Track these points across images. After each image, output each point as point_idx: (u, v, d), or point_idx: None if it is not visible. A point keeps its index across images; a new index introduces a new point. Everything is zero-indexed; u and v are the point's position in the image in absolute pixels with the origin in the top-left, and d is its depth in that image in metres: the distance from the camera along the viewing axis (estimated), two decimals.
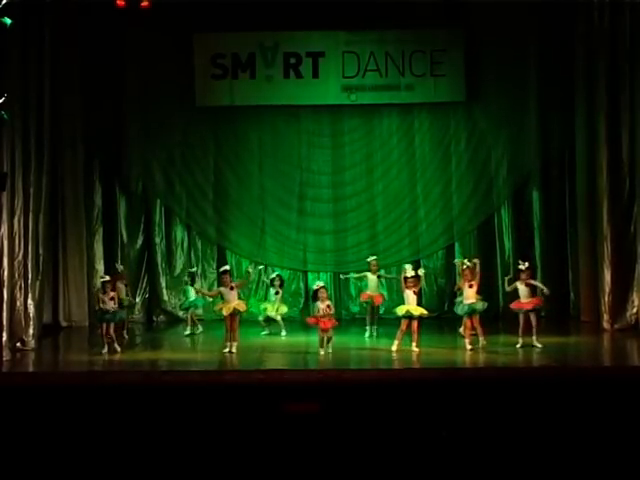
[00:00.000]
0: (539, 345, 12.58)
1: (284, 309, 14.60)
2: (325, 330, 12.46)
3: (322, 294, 12.56)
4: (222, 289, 12.96)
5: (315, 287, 12.76)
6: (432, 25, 15.84)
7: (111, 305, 12.78)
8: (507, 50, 15.78)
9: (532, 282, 13.00)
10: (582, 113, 15.06)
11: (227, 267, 13.50)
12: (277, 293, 14.51)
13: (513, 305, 12.99)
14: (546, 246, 16.13)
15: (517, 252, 16.08)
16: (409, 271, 12.86)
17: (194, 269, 15.31)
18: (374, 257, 14.55)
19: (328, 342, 12.52)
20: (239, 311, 12.81)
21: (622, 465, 9.09)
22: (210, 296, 14.28)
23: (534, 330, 12.67)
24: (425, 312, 12.87)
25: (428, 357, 12.39)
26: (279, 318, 14.45)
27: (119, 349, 12.74)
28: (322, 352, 12.42)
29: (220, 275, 13.13)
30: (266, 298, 14.92)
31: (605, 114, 14.45)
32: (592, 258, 15.05)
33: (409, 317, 12.59)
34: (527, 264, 13.00)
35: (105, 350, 12.66)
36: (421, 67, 15.94)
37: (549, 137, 16.02)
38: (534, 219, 16.24)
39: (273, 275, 14.87)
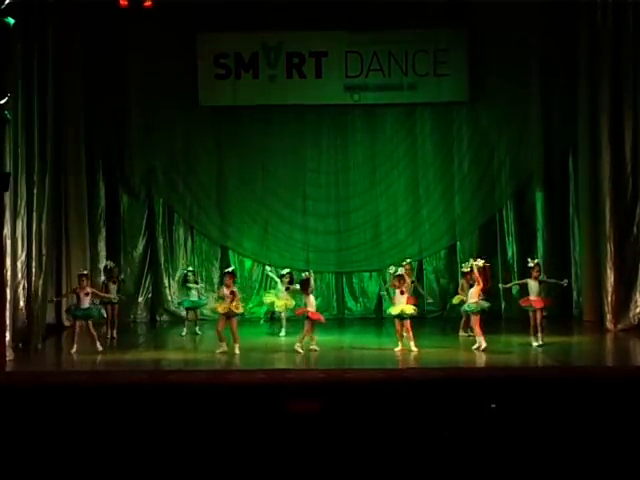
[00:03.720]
0: (541, 343, 12.59)
1: (292, 303, 14.46)
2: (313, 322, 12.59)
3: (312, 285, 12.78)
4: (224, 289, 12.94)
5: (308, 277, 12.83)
6: (435, 25, 15.84)
7: (87, 301, 12.76)
8: (510, 50, 15.78)
9: (547, 280, 13.02)
10: (585, 113, 15.05)
11: (232, 268, 13.44)
12: (287, 289, 14.48)
13: (523, 302, 12.94)
14: (549, 246, 16.13)
15: (520, 252, 16.12)
16: (397, 271, 12.99)
17: (191, 268, 15.22)
18: (408, 260, 14.42)
19: (308, 336, 12.67)
20: (235, 313, 12.75)
21: (625, 465, 9.07)
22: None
23: (539, 329, 12.67)
24: (414, 311, 12.74)
25: (430, 357, 12.41)
26: (283, 315, 14.43)
27: (100, 348, 12.72)
28: (300, 349, 12.52)
29: (224, 275, 13.13)
30: (276, 294, 14.72)
31: (608, 114, 14.45)
32: (595, 258, 15.05)
33: (400, 317, 12.62)
34: (536, 261, 13.04)
35: (74, 350, 12.64)
36: (424, 67, 15.95)
37: (552, 137, 16.02)
38: (537, 219, 16.24)
39: (284, 272, 14.79)
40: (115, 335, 14.04)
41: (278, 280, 14.64)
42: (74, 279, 15.68)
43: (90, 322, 12.82)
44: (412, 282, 13.98)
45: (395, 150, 16.56)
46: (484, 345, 12.45)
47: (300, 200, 16.60)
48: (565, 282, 13.34)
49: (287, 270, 14.81)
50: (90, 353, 12.79)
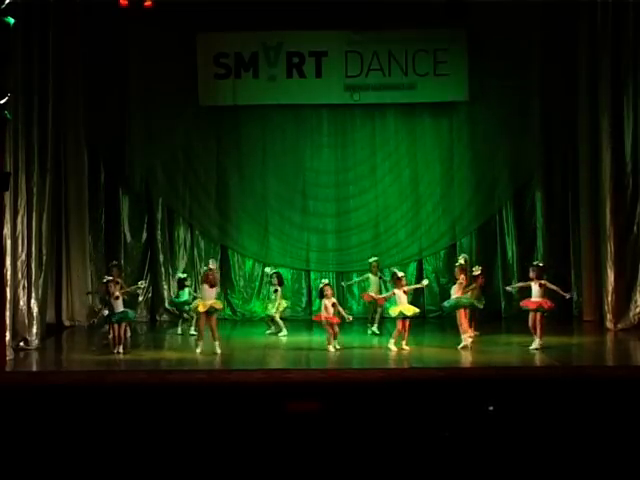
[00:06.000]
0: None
1: (284, 305, 14.61)
2: (333, 325, 12.67)
3: (327, 291, 12.91)
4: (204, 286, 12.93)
5: (321, 285, 13.15)
6: (435, 25, 15.80)
7: (120, 305, 12.72)
8: (510, 50, 15.77)
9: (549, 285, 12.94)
10: (585, 113, 15.07)
11: (211, 265, 13.30)
12: (276, 291, 14.51)
13: (546, 304, 12.77)
14: (549, 246, 16.13)
15: (519, 252, 16.12)
16: (398, 272, 13.14)
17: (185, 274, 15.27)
18: (375, 258, 14.62)
19: (335, 338, 12.74)
20: (215, 309, 12.76)
21: (625, 465, 9.07)
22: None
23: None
24: (417, 310, 12.97)
25: (430, 356, 12.42)
26: (278, 317, 14.46)
27: (122, 350, 12.71)
28: (332, 349, 12.66)
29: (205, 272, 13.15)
30: (267, 297, 14.92)
31: (608, 114, 14.45)
32: (595, 258, 15.08)
33: (403, 317, 12.65)
34: (541, 264, 13.06)
35: (120, 350, 12.64)
36: (424, 66, 15.93)
37: (552, 137, 16.01)
38: (537, 219, 16.24)
39: (271, 273, 14.86)
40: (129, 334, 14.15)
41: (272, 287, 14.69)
42: (74, 279, 15.77)
43: (124, 324, 12.80)
44: (380, 277, 14.70)
45: (395, 150, 16.55)
46: (463, 343, 12.57)
47: (300, 199, 16.59)
48: (567, 295, 13.18)
49: (273, 271, 14.85)
50: (92, 353, 12.80)
